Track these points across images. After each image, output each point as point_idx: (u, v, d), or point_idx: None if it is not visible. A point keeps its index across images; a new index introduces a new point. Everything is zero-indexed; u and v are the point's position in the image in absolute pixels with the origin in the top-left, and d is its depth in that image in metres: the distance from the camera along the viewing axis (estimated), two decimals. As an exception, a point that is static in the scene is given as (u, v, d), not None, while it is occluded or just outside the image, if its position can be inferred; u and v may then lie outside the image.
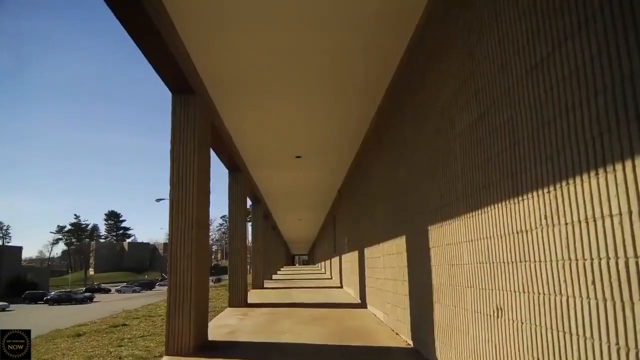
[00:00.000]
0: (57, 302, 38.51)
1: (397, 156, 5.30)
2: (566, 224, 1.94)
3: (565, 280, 1.94)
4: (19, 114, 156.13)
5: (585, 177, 1.81)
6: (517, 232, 2.37)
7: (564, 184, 1.96)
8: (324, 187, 13.42)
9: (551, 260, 2.05)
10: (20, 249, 63.14)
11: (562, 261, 1.97)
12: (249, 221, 15.57)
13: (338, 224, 15.12)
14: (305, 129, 7.61)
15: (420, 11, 4.04)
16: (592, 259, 1.76)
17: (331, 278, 19.87)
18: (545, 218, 2.10)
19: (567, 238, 1.93)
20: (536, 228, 2.18)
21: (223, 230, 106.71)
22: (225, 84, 5.63)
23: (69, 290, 49.49)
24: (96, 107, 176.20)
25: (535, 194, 2.19)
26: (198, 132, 4.97)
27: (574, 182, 1.88)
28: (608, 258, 1.67)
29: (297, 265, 77.69)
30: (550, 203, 2.06)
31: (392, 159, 5.65)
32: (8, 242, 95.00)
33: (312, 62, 5.03)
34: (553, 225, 2.04)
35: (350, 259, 11.39)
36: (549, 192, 2.08)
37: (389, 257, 5.92)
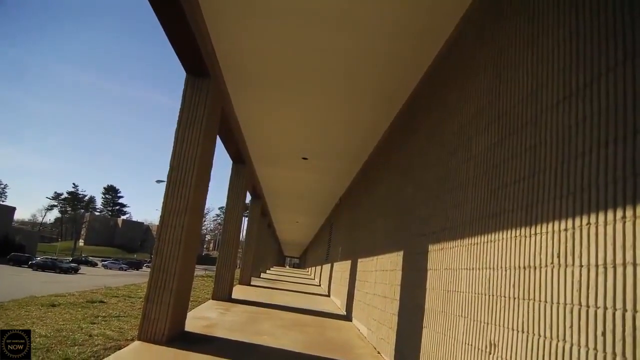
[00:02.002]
0: (41, 268, 38.00)
1: (406, 172, 5.17)
2: (581, 266, 1.80)
3: (571, 326, 1.80)
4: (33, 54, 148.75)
5: (610, 218, 1.68)
6: (525, 267, 2.23)
7: (584, 223, 1.82)
8: (326, 193, 13.29)
9: (558, 303, 1.91)
10: (13, 209, 62.79)
11: (570, 305, 1.82)
12: (246, 216, 15.45)
13: (334, 232, 14.99)
14: (316, 131, 7.48)
15: (452, 26, 3.92)
16: (606, 308, 1.62)
17: (319, 285, 19.71)
18: (559, 257, 1.96)
19: (580, 281, 1.79)
20: (546, 266, 2.04)
21: (219, 221, 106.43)
22: (242, 74, 5.52)
23: (55, 258, 49.08)
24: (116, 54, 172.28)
25: (550, 229, 2.05)
26: (207, 116, 4.85)
27: (597, 222, 1.75)
28: (624, 310, 1.53)
29: (287, 267, 77.44)
30: (566, 241, 1.92)
31: (400, 174, 5.52)
32: (3, 201, 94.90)
33: (334, 64, 4.91)
34: (566, 266, 1.89)
35: (341, 268, 11.24)
36: (566, 229, 1.94)
37: (382, 273, 5.77)
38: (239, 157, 9.32)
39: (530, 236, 2.22)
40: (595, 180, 1.79)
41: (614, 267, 1.61)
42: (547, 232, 2.08)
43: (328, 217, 17.93)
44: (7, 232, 54.18)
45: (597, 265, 1.71)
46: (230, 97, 6.25)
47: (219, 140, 6.87)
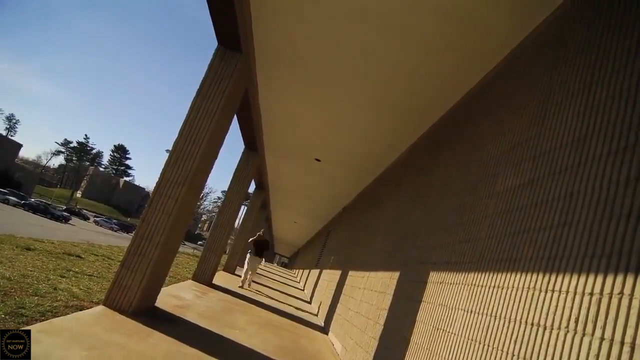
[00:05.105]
0: (32, 209, 37.67)
1: (419, 195, 4.94)
2: (602, 338, 1.57)
3: (578, 404, 1.57)
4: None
5: (651, 292, 1.45)
6: (533, 324, 2.00)
7: (615, 291, 1.59)
8: (331, 199, 13.06)
9: (567, 374, 1.68)
10: (19, 146, 62.84)
11: (581, 379, 1.59)
12: (246, 205, 15.27)
13: (330, 240, 14.76)
14: (337, 134, 7.25)
15: (501, 56, 3.71)
16: (625, 394, 1.39)
17: (303, 290, 19.43)
18: (576, 322, 1.73)
19: (597, 356, 1.56)
20: (559, 329, 1.81)
21: (219, 204, 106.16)
22: (275, 59, 5.32)
23: (49, 202, 48.88)
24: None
25: (572, 289, 1.83)
26: (229, 92, 4.66)
27: (631, 294, 1.52)
28: (649, 402, 1.30)
29: (275, 264, 77.06)
30: (589, 307, 1.69)
31: (411, 196, 5.29)
32: (12, 136, 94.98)
33: (372, 69, 4.68)
34: (584, 334, 1.66)
35: (329, 278, 11.00)
36: (591, 294, 1.71)
37: (370, 293, 5.52)
38: (252, 144, 9.14)
39: (546, 291, 1.99)
40: (638, 247, 1.57)
41: (645, 350, 1.39)
42: (567, 292, 1.85)
43: (327, 224, 17.70)
44: (8, 168, 54.28)
45: (622, 343, 1.48)
46: (257, 79, 6.06)
47: (234, 122, 6.68)
